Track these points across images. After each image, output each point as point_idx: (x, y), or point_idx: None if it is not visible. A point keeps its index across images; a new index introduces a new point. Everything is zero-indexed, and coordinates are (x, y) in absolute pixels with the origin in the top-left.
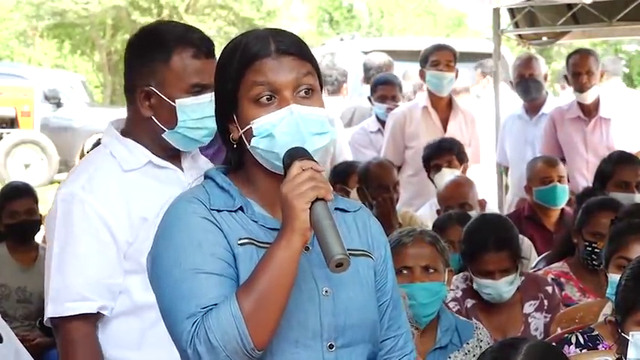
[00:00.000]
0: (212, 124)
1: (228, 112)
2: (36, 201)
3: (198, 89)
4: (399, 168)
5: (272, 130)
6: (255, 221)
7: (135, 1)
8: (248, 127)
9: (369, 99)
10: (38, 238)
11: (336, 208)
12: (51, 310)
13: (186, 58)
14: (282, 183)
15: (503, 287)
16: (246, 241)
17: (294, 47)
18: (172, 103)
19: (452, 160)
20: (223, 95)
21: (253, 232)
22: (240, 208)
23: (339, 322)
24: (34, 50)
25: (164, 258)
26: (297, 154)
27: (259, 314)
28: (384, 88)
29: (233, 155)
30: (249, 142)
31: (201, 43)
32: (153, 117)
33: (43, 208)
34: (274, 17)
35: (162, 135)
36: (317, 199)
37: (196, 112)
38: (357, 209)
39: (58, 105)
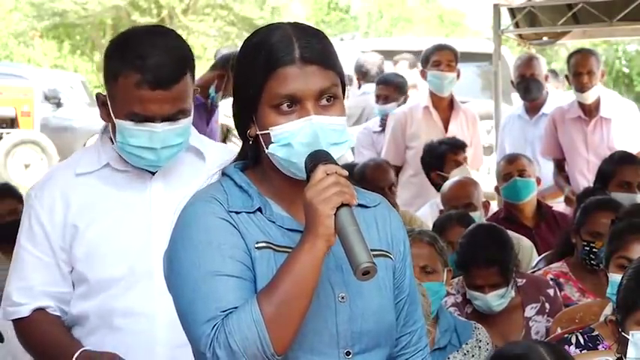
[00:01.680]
0: (153, 156)
1: (247, 111)
2: (20, 200)
3: (136, 118)
4: (400, 168)
5: (290, 140)
6: (273, 222)
7: (134, 1)
8: (266, 132)
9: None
10: None
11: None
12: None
13: (130, 84)
14: (305, 187)
15: (493, 301)
16: (263, 244)
17: (319, 55)
18: (115, 120)
19: (466, 158)
20: (243, 95)
21: (271, 234)
22: (259, 209)
23: (356, 328)
24: (34, 50)
25: (182, 259)
26: (319, 157)
27: (280, 319)
28: (380, 87)
29: (249, 150)
30: (266, 145)
31: (153, 72)
32: (109, 124)
33: None
34: (273, 17)
35: (112, 147)
36: (342, 205)
37: (135, 139)
38: (377, 204)
39: (58, 105)
